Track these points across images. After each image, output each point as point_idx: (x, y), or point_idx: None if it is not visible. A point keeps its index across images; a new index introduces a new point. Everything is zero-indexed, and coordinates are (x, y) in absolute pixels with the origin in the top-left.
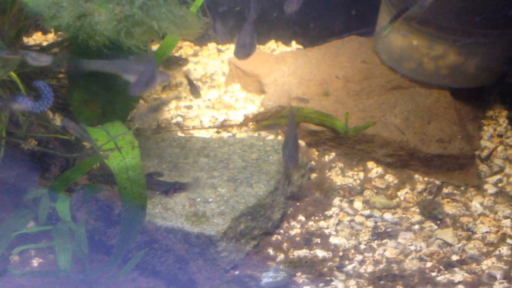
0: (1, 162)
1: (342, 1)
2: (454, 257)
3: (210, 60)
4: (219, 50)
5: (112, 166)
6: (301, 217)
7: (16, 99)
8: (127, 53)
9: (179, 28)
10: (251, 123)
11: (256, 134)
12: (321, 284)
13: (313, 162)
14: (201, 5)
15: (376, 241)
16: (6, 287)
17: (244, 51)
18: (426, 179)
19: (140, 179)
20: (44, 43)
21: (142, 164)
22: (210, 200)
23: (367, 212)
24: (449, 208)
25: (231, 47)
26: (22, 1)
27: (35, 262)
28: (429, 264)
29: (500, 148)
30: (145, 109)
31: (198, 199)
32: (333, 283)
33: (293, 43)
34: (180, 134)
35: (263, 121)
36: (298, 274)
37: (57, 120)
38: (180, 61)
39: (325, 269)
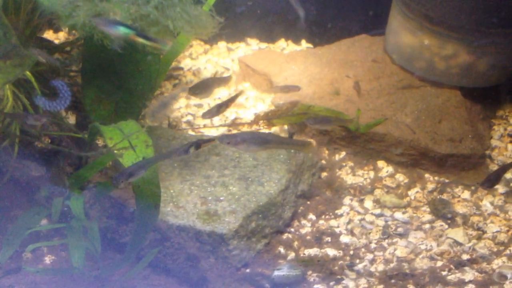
0: (15, 160)
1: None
2: (465, 256)
3: (220, 59)
4: (229, 49)
5: (126, 164)
6: (312, 216)
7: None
8: (142, 52)
9: (194, 27)
10: (261, 122)
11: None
12: (332, 283)
13: (323, 161)
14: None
15: (386, 240)
16: (20, 283)
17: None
18: (436, 178)
19: (154, 177)
20: (56, 41)
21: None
22: (221, 198)
23: (378, 211)
24: (460, 208)
25: (241, 45)
26: (37, 0)
27: (48, 259)
28: (439, 263)
29: (510, 147)
30: (156, 107)
31: (210, 197)
32: (344, 281)
33: (303, 41)
34: (191, 132)
35: (273, 119)
36: (309, 272)
37: (70, 119)
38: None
39: (336, 268)
